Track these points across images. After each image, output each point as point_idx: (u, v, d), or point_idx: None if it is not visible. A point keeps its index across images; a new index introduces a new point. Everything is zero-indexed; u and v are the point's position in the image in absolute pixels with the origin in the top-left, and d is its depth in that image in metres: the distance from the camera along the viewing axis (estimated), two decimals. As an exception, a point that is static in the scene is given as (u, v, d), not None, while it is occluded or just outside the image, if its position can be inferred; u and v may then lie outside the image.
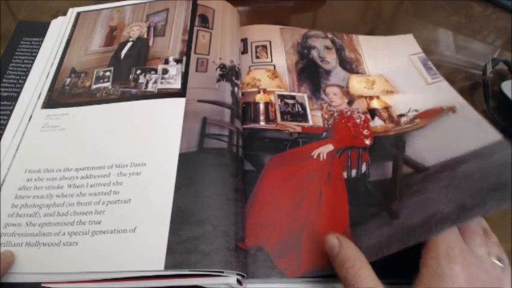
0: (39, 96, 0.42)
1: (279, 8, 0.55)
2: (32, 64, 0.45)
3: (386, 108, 0.41)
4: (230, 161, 0.35)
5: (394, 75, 0.44)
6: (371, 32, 0.51)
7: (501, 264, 0.29)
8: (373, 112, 0.41)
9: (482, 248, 0.28)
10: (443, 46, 0.52)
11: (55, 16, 0.50)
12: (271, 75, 0.45)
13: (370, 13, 0.57)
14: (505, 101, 0.43)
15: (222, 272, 0.29)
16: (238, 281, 0.30)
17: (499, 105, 0.44)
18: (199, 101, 0.39)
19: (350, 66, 0.46)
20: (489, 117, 0.44)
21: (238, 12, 0.49)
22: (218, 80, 0.41)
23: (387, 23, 0.57)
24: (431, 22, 0.56)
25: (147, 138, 0.36)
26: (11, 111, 0.40)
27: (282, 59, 0.46)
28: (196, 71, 0.41)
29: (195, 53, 0.43)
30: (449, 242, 0.27)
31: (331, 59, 0.47)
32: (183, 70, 0.41)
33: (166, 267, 0.29)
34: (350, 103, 0.42)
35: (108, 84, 0.41)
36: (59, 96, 0.41)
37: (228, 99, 0.40)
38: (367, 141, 0.38)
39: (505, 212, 0.36)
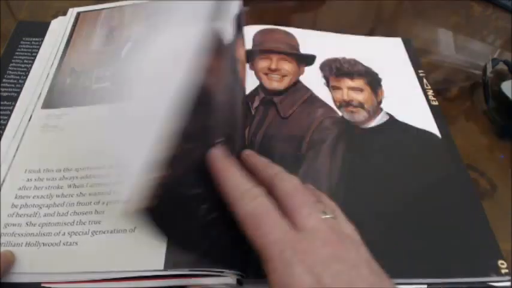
0: (39, 96, 0.41)
1: (279, 8, 0.55)
2: (32, 64, 0.45)
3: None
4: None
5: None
6: (371, 33, 0.51)
7: (330, 215, 0.25)
8: None
9: (312, 218, 0.24)
10: (443, 46, 0.52)
11: (55, 16, 0.50)
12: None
13: (370, 13, 0.57)
14: (505, 101, 0.43)
15: (222, 272, 0.29)
16: (239, 281, 0.30)
17: (499, 105, 0.44)
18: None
19: None
20: (489, 117, 0.44)
21: (238, 12, 0.49)
22: (218, 80, 0.41)
23: (387, 23, 0.57)
24: (431, 22, 0.55)
25: (147, 138, 0.36)
26: (11, 111, 0.40)
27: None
28: (196, 71, 0.41)
29: (195, 53, 0.43)
30: (279, 243, 0.23)
31: None
32: (183, 70, 0.41)
33: (166, 267, 0.29)
34: None
35: (108, 84, 0.41)
36: (59, 96, 0.41)
37: (228, 99, 0.40)
38: None
39: (505, 212, 0.36)
